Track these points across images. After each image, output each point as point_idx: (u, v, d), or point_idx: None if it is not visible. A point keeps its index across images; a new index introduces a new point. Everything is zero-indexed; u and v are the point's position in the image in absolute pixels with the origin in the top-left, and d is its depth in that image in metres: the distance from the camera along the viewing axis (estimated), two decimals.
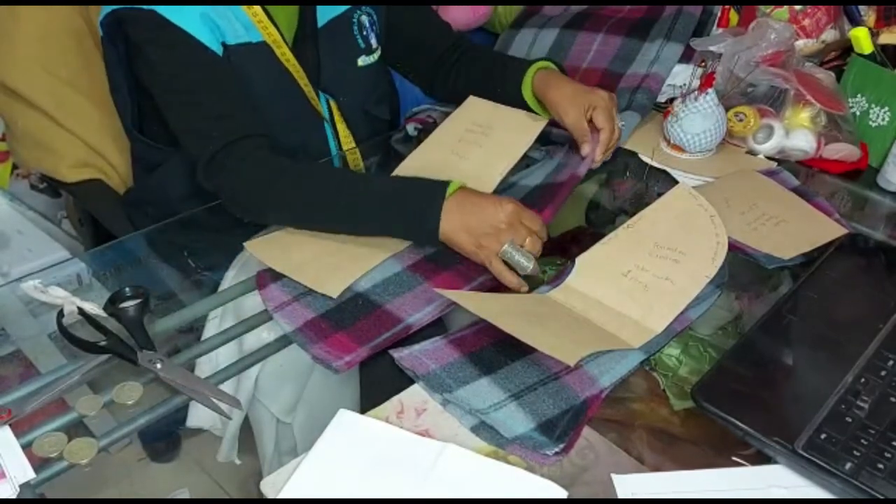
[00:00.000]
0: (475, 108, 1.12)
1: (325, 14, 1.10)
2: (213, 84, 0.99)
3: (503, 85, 1.13)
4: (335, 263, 0.88)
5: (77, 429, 0.70)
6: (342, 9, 1.12)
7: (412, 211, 0.89)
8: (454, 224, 0.86)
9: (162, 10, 0.95)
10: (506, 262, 0.85)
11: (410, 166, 1.05)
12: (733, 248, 0.91)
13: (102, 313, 0.79)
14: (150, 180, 1.15)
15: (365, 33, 1.14)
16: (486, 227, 0.85)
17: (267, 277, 0.86)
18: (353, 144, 1.17)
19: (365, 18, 1.14)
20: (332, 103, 1.13)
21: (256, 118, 1.00)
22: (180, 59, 0.98)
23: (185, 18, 0.96)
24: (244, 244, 0.91)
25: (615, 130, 1.06)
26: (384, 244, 0.90)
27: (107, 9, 1.00)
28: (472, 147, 1.05)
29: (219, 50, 0.99)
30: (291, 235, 0.93)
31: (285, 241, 0.92)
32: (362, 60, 1.15)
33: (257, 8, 1.02)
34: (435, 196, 0.87)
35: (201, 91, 0.98)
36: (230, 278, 0.93)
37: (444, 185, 0.88)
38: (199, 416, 0.75)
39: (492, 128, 1.08)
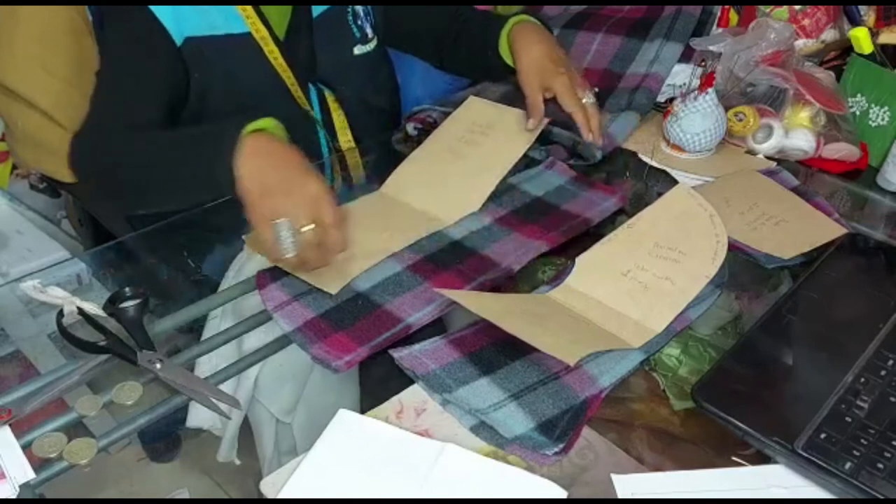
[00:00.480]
0: (475, 108, 1.12)
1: (318, 5, 1.10)
2: (144, 68, 0.99)
3: (484, 47, 1.12)
4: (335, 260, 0.87)
5: (77, 429, 0.70)
6: None
7: (206, 152, 0.82)
8: (253, 168, 0.78)
9: None
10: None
11: (408, 168, 1.05)
12: (733, 248, 0.91)
13: (102, 313, 0.79)
14: None
15: (360, 22, 1.14)
16: (278, 190, 0.77)
17: (267, 277, 0.86)
18: (350, 136, 1.16)
19: (359, 8, 1.15)
20: (329, 97, 1.13)
21: (156, 115, 0.99)
22: (132, 35, 0.99)
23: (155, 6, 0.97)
24: (243, 237, 0.91)
25: (585, 109, 1.05)
26: (384, 243, 0.90)
27: None
28: (472, 147, 1.05)
29: (178, 41, 0.99)
30: None
31: None
32: (358, 49, 1.15)
33: (248, 7, 1.02)
34: (227, 133, 0.80)
35: (128, 70, 0.99)
36: (230, 278, 0.93)
37: (242, 121, 0.81)
38: (198, 416, 0.75)
39: (492, 127, 1.08)
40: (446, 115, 1.20)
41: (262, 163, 0.79)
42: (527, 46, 1.06)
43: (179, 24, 0.98)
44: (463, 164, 1.03)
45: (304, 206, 0.78)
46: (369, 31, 1.16)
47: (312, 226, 0.78)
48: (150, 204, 0.96)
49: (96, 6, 1.04)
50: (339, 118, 1.15)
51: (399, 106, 1.29)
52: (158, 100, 1.00)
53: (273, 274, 0.86)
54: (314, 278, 0.84)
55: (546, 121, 1.08)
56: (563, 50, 1.11)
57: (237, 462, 0.75)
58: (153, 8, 0.97)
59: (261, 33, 1.04)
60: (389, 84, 1.25)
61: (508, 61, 1.09)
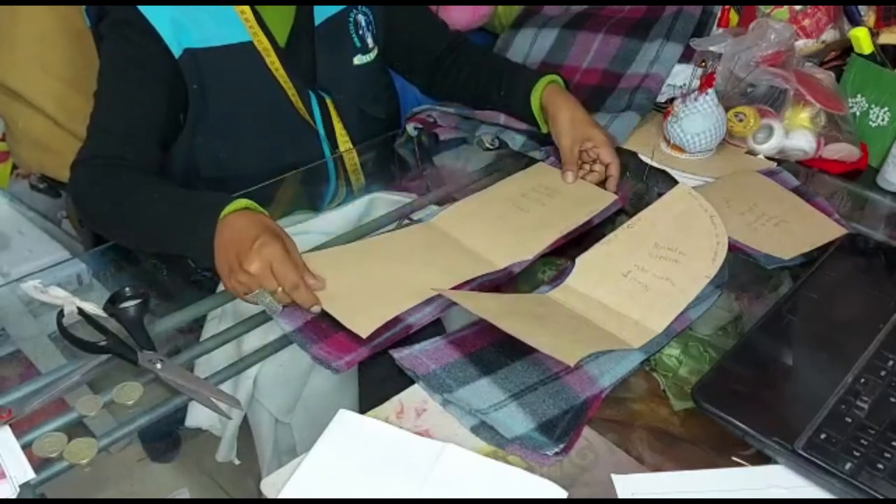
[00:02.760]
0: (542, 172, 1.09)
1: (321, 13, 1.10)
2: (140, 87, 0.98)
3: (510, 89, 1.13)
4: (370, 297, 0.82)
5: (77, 429, 0.70)
6: (339, 7, 1.12)
7: (191, 225, 0.85)
8: (219, 251, 0.81)
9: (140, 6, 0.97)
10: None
11: (464, 207, 1.00)
12: (733, 248, 0.91)
13: (102, 313, 0.79)
14: None
15: (361, 32, 1.15)
16: (237, 266, 0.79)
17: None
18: (350, 144, 1.17)
19: (361, 17, 1.15)
20: (329, 103, 1.13)
21: (153, 137, 0.99)
22: (129, 53, 0.98)
23: (154, 13, 0.97)
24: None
25: (619, 164, 1.05)
26: (427, 281, 0.84)
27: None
28: (534, 204, 1.01)
29: (177, 53, 0.99)
30: (328, 260, 0.87)
31: (321, 266, 0.84)
32: (358, 59, 1.15)
33: (247, 9, 1.02)
34: (213, 209, 0.83)
35: (124, 90, 0.99)
36: None
37: (227, 200, 0.83)
38: (197, 416, 0.75)
39: (557, 192, 1.04)
40: (446, 114, 1.20)
41: (224, 243, 0.80)
42: (563, 104, 1.08)
43: (179, 35, 0.98)
44: (523, 217, 0.99)
45: (264, 275, 0.78)
46: (370, 41, 1.16)
47: (280, 289, 0.78)
48: (128, 245, 0.97)
49: (94, 19, 1.03)
50: (338, 125, 1.15)
51: (397, 115, 1.29)
52: (155, 126, 1.00)
53: None
54: (346, 317, 0.79)
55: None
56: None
57: (236, 462, 0.75)
58: (153, 20, 0.96)
59: (263, 43, 1.04)
60: (386, 94, 1.26)
61: (536, 111, 1.10)
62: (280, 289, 0.78)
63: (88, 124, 0.99)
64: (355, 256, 0.90)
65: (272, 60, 1.05)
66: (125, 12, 0.97)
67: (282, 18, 1.07)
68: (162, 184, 0.95)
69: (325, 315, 0.81)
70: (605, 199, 1.03)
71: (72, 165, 0.96)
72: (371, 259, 0.89)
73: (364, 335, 0.77)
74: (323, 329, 0.79)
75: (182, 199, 0.90)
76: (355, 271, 0.86)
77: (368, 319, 0.78)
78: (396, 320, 0.80)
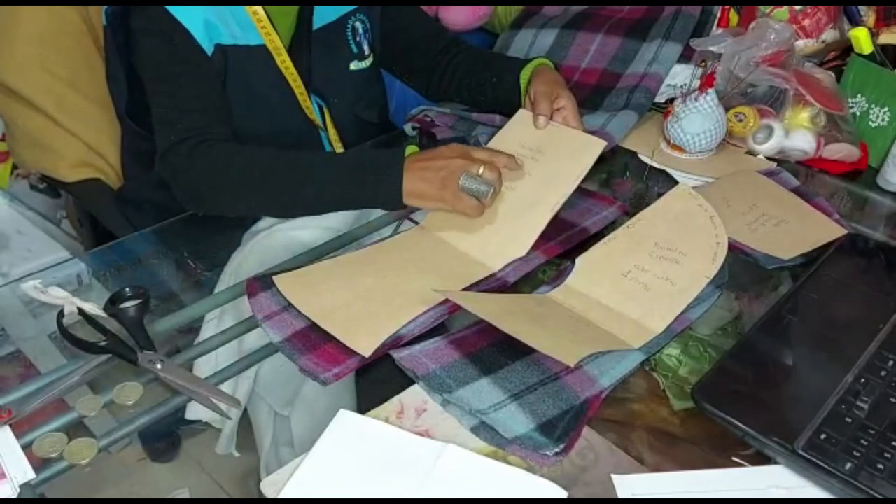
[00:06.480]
0: (525, 123, 1.05)
1: (320, 18, 1.11)
2: (195, 79, 1.01)
3: (501, 75, 1.14)
4: (369, 312, 0.80)
5: (77, 429, 0.70)
6: (338, 14, 1.13)
7: (374, 175, 0.93)
8: (413, 177, 0.92)
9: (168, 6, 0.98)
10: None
11: None
12: (733, 248, 0.91)
13: (102, 314, 0.79)
14: (144, 173, 1.15)
15: (358, 39, 1.16)
16: (441, 169, 0.91)
17: (257, 286, 0.84)
18: (342, 149, 1.17)
19: (359, 25, 1.16)
20: (326, 110, 1.14)
21: (228, 120, 1.02)
22: (171, 51, 1.00)
23: (185, 15, 0.98)
24: (273, 278, 0.84)
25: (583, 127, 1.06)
26: (426, 291, 0.83)
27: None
28: (521, 175, 0.98)
29: (209, 50, 1.01)
30: (323, 273, 0.86)
31: (316, 280, 0.84)
32: (354, 65, 1.16)
33: (259, 10, 1.03)
34: (396, 158, 0.93)
35: (182, 83, 1.01)
36: (228, 274, 0.93)
37: (402, 148, 0.95)
38: (198, 409, 0.75)
39: (542, 152, 1.01)
40: (443, 114, 1.20)
41: (417, 171, 0.92)
42: (545, 73, 1.11)
43: (209, 32, 1.00)
44: (510, 199, 0.96)
45: (464, 157, 0.92)
46: (366, 48, 1.17)
47: (482, 168, 0.91)
48: (253, 212, 1.01)
49: (111, 10, 1.05)
50: (332, 130, 1.16)
51: (387, 119, 1.30)
52: (222, 105, 1.02)
53: (263, 283, 0.84)
54: (346, 335, 0.77)
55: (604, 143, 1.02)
56: None
57: (236, 454, 0.75)
58: (184, 21, 0.98)
59: (274, 44, 1.05)
60: (380, 100, 1.27)
61: (524, 88, 1.11)
62: (483, 168, 0.91)
63: (157, 116, 1.01)
64: (349, 269, 0.88)
65: (283, 59, 1.06)
66: (155, 13, 0.99)
67: (285, 23, 1.08)
68: (280, 150, 0.99)
69: (313, 325, 0.79)
70: (591, 148, 0.99)
71: (161, 155, 0.98)
72: (366, 271, 0.87)
73: (367, 354, 0.75)
74: (312, 340, 0.77)
75: (352, 158, 0.99)
76: (351, 285, 0.84)
77: (369, 337, 0.77)
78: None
